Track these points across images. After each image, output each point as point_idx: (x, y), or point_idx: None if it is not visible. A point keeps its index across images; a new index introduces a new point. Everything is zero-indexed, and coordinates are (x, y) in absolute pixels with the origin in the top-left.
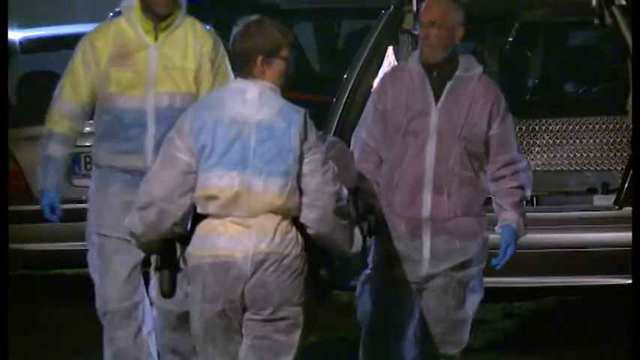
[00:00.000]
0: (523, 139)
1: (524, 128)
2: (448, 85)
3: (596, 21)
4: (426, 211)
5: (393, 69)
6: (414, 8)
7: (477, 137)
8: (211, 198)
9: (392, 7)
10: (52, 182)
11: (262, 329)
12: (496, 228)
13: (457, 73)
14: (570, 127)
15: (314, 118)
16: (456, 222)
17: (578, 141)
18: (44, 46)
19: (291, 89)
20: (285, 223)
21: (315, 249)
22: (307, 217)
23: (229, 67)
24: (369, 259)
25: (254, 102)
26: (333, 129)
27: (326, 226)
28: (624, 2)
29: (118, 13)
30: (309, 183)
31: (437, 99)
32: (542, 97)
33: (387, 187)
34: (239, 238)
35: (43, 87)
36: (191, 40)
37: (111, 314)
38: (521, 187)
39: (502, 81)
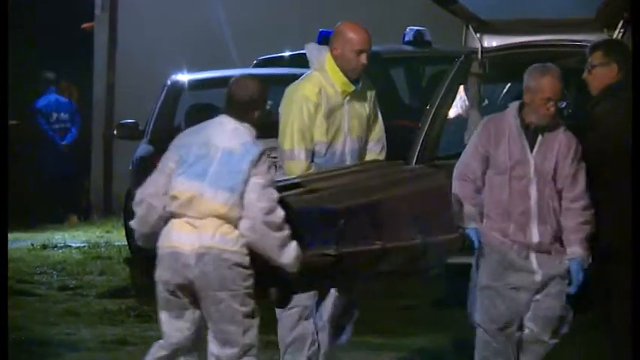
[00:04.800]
0: None
1: None
2: (540, 137)
3: None
4: (535, 238)
5: (494, 119)
6: (479, 57)
7: (563, 177)
8: (174, 198)
9: (463, 56)
10: None
11: (210, 310)
12: (565, 259)
13: (547, 128)
14: None
15: (405, 138)
16: (556, 243)
17: None
18: (205, 85)
19: (387, 117)
20: (226, 226)
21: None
22: (241, 226)
23: (378, 107)
24: (475, 271)
25: (228, 133)
26: (420, 144)
27: (255, 234)
28: None
29: (262, 62)
30: (246, 198)
31: (531, 148)
32: (574, 122)
33: (501, 219)
34: (188, 234)
35: (205, 116)
36: (367, 92)
37: (301, 308)
38: (587, 223)
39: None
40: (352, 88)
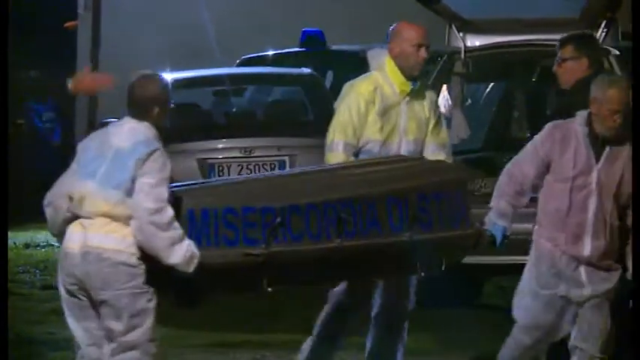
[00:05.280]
0: None
1: None
2: (607, 149)
3: None
4: (586, 251)
5: (559, 126)
6: (462, 56)
7: (626, 194)
8: (70, 199)
9: (446, 55)
10: None
11: (98, 308)
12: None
13: (614, 140)
14: None
15: None
16: (607, 260)
17: None
18: (188, 84)
19: None
20: (113, 225)
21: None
22: (131, 225)
23: (442, 114)
24: (525, 276)
25: (124, 132)
26: None
27: (142, 234)
28: (618, 53)
29: (246, 61)
30: (134, 198)
31: (597, 159)
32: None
33: (553, 228)
34: (78, 234)
35: (187, 114)
36: (425, 95)
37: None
38: None
39: (527, 109)
40: (409, 87)
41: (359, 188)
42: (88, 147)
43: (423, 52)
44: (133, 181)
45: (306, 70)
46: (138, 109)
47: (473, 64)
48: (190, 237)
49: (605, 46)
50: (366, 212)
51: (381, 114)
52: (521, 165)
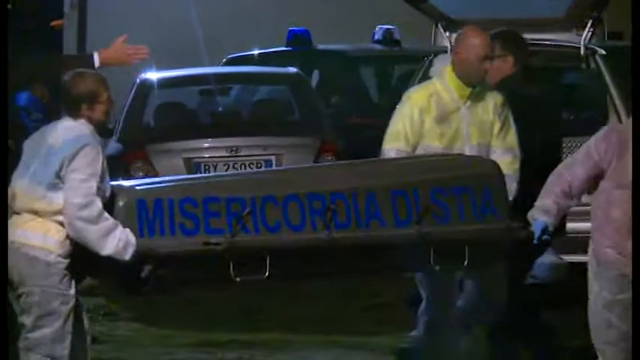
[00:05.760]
0: None
1: None
2: None
3: (583, 66)
4: None
5: (618, 129)
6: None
7: None
8: (11, 195)
9: (432, 54)
10: None
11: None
12: None
13: None
14: (563, 144)
15: (375, 136)
16: None
17: (568, 154)
18: (175, 84)
19: (356, 115)
20: (36, 220)
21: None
22: (63, 221)
23: (511, 117)
24: (594, 290)
25: (59, 131)
26: None
27: (72, 229)
28: (604, 52)
29: (232, 59)
30: (63, 196)
31: None
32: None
33: (619, 235)
34: (9, 230)
35: (173, 113)
36: (488, 98)
37: None
38: None
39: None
40: (468, 90)
41: (354, 180)
42: (30, 145)
43: (486, 65)
44: (58, 177)
45: (293, 70)
46: (68, 106)
47: None
48: (142, 226)
49: (591, 46)
50: (363, 204)
51: (440, 121)
52: (572, 166)
